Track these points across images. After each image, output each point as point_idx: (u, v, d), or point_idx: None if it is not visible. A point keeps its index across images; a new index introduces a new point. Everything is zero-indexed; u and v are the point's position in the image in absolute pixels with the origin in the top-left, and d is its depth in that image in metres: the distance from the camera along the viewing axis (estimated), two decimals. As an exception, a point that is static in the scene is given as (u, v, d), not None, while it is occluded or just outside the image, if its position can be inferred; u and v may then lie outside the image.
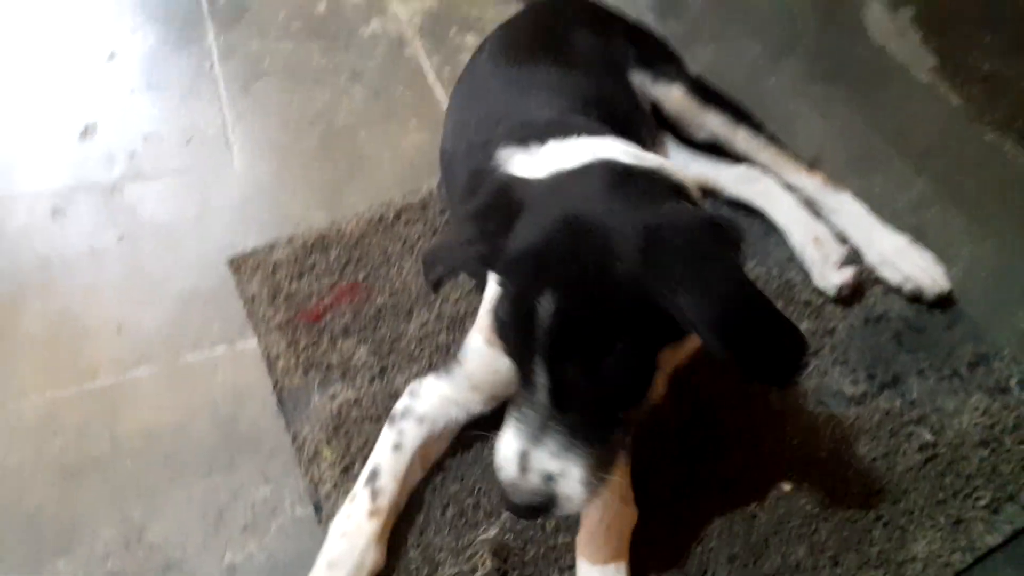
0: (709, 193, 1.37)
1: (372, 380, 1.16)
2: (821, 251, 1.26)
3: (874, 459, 1.07)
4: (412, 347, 1.19)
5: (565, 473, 0.76)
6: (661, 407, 1.07)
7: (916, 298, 1.24)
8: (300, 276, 1.29)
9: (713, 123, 1.35)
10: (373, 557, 0.95)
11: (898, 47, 1.75)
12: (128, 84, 1.68)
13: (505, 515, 1.01)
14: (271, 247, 1.34)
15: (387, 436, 1.03)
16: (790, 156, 1.37)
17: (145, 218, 1.42)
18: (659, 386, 0.79)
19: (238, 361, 1.20)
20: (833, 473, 1.05)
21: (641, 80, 1.32)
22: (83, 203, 1.44)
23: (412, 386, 1.06)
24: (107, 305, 1.28)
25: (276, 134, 1.57)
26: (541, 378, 0.74)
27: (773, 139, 1.37)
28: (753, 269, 1.29)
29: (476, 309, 1.08)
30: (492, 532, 1.00)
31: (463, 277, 1.25)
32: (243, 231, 1.38)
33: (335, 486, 1.05)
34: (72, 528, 1.03)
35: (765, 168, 1.36)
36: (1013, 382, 1.15)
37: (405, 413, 1.04)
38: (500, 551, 0.99)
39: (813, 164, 1.39)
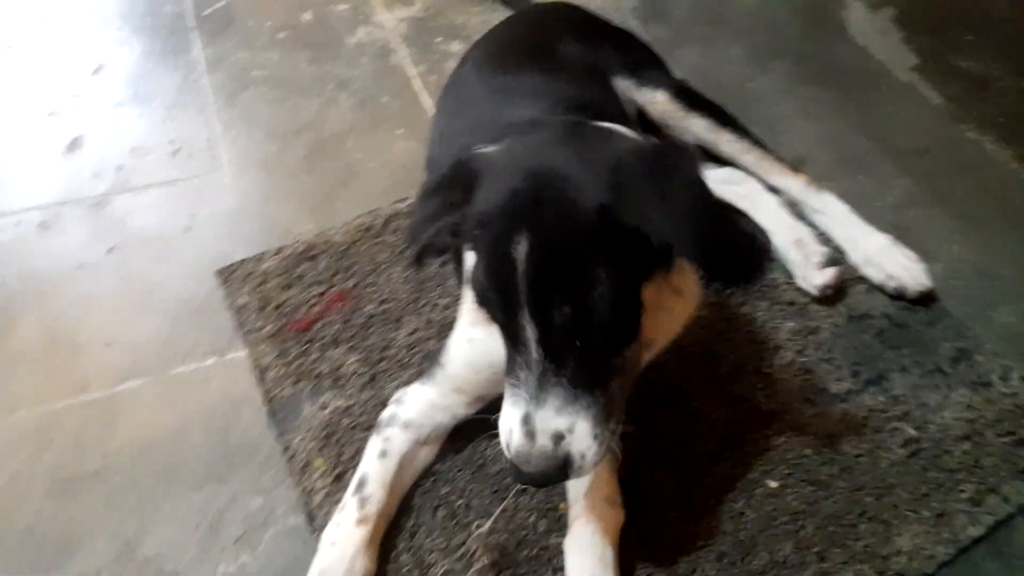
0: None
1: (363, 388, 1.17)
2: (803, 252, 1.27)
3: (859, 455, 1.08)
4: (402, 355, 1.20)
5: (573, 428, 0.75)
6: (652, 412, 1.10)
7: (899, 296, 1.26)
8: (289, 286, 1.30)
9: (698, 127, 1.36)
10: (363, 564, 0.96)
11: (880, 47, 1.77)
12: (114, 97, 1.68)
13: (497, 513, 1.02)
14: (260, 257, 1.35)
15: (374, 444, 1.04)
16: (774, 158, 1.39)
17: (134, 231, 1.42)
18: (648, 331, 0.80)
19: (229, 372, 1.21)
20: (819, 470, 1.07)
21: (626, 86, 1.34)
22: (71, 217, 1.44)
23: (398, 394, 1.08)
24: (97, 318, 1.28)
25: (264, 144, 1.58)
26: (529, 331, 0.73)
27: (757, 142, 1.39)
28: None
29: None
30: (485, 527, 1.01)
31: (451, 283, 1.26)
32: (232, 241, 1.38)
33: (327, 495, 1.05)
34: (66, 542, 1.04)
35: (750, 171, 1.38)
36: (995, 377, 1.17)
37: (390, 420, 1.05)
38: (493, 548, 1.00)
39: (797, 165, 1.41)
